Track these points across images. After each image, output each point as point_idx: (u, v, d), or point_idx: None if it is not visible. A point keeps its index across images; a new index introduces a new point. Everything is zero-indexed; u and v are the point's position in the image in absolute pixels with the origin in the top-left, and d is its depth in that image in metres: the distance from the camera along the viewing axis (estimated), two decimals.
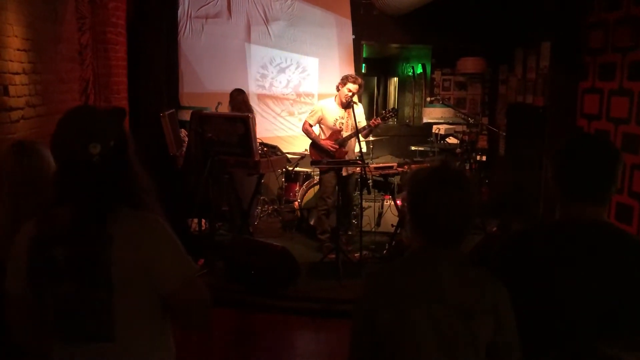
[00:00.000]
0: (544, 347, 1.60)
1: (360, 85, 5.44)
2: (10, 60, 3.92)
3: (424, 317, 1.52)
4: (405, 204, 1.64)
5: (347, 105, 5.43)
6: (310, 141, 5.69)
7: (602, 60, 4.81)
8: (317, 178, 6.04)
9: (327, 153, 5.49)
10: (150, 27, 6.55)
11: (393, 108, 5.64)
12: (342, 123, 5.52)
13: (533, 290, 1.62)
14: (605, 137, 1.78)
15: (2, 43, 3.80)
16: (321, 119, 5.57)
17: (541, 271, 1.62)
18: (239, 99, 6.06)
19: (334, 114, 5.51)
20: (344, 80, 5.41)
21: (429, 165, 1.63)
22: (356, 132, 5.26)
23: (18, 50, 4.04)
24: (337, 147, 5.50)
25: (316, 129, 5.70)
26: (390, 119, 5.75)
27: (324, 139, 5.56)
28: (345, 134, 5.51)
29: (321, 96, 7.25)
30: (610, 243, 1.62)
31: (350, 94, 5.34)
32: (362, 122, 5.52)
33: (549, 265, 1.62)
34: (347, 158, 5.51)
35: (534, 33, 6.25)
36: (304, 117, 5.88)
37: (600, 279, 1.57)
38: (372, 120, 5.52)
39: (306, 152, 6.30)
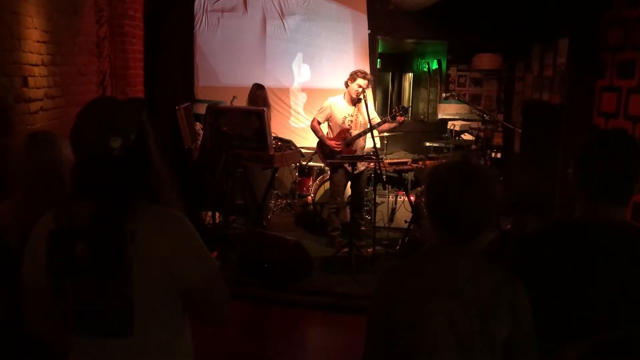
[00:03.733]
0: (562, 340, 1.59)
1: (369, 81, 5.38)
2: (30, 52, 3.96)
3: (440, 314, 1.51)
4: (424, 200, 1.62)
5: (356, 101, 5.41)
6: (318, 140, 5.66)
7: (620, 58, 4.75)
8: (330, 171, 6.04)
9: (333, 153, 5.46)
10: (167, 20, 6.59)
11: (402, 106, 5.58)
12: (351, 121, 5.47)
13: (553, 289, 1.60)
14: (629, 134, 1.73)
15: (22, 35, 3.84)
16: (330, 117, 5.53)
17: (563, 270, 1.60)
18: (258, 94, 6.06)
19: (343, 111, 5.47)
20: (354, 76, 5.35)
21: (447, 160, 1.61)
22: (370, 128, 5.22)
23: (37, 42, 4.08)
24: (341, 146, 5.45)
25: (324, 128, 5.67)
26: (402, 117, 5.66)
27: (330, 139, 5.52)
28: (354, 132, 5.47)
29: (336, 91, 7.22)
30: (634, 243, 1.60)
31: (360, 89, 5.29)
32: (375, 118, 5.49)
33: (571, 264, 1.60)
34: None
35: (551, 29, 6.19)
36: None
37: (623, 278, 1.56)
38: (380, 120, 5.47)
39: None
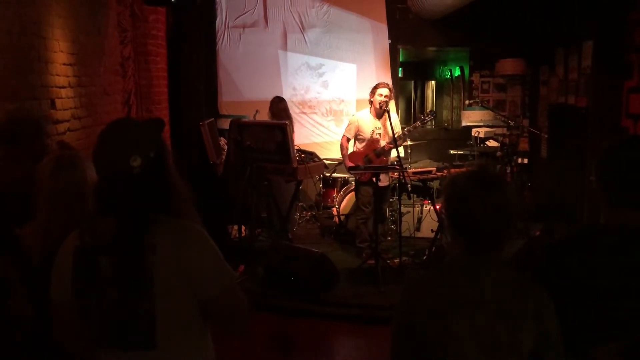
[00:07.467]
0: (592, 346, 1.55)
1: (390, 89, 5.44)
2: (57, 75, 4.07)
3: (465, 324, 1.50)
4: (444, 210, 1.62)
5: (382, 113, 5.42)
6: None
7: None
8: (354, 184, 6.02)
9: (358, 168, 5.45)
10: (190, 38, 6.69)
11: (431, 110, 5.58)
12: (379, 133, 5.51)
13: (583, 295, 1.57)
14: None
15: (49, 59, 3.95)
16: (358, 131, 5.56)
17: (592, 276, 1.57)
18: (279, 106, 6.11)
19: (370, 125, 5.50)
20: (373, 90, 5.43)
21: (466, 169, 1.61)
22: (394, 139, 5.20)
23: (64, 64, 4.19)
24: (366, 176, 5.43)
25: (350, 144, 5.69)
26: (429, 122, 5.69)
27: (359, 150, 5.54)
28: (382, 142, 5.49)
29: (358, 102, 7.25)
30: None
31: (385, 98, 5.32)
32: (398, 131, 5.49)
33: (600, 270, 1.57)
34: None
35: (575, 32, 6.10)
36: (341, 124, 5.87)
37: None
38: (409, 127, 5.49)
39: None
